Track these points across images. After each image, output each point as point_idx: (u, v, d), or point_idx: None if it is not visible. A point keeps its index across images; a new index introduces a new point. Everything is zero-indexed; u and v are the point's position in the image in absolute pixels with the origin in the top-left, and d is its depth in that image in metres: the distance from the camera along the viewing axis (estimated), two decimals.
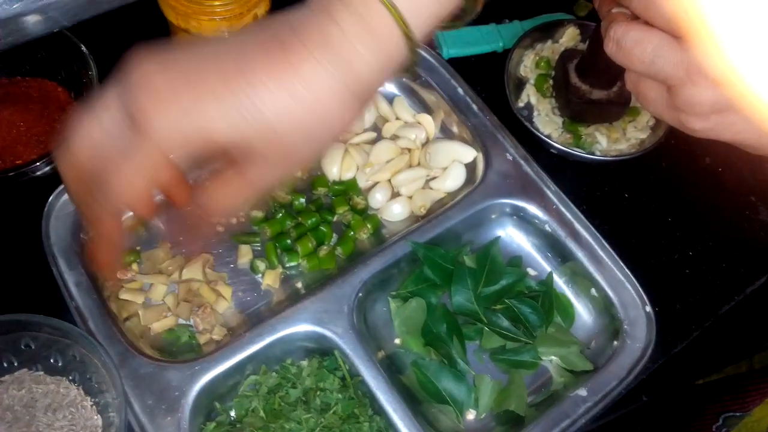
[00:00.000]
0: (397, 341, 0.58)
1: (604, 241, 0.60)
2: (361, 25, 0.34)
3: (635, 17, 0.43)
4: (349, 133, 0.66)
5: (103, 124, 0.36)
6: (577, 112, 0.67)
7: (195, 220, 0.42)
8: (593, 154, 0.68)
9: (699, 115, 0.41)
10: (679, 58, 0.39)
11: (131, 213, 0.57)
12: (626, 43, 0.41)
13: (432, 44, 0.73)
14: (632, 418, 0.93)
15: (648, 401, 0.84)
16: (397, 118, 0.67)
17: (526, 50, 0.73)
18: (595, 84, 0.64)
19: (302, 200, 0.62)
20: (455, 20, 0.42)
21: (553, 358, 0.58)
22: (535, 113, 0.70)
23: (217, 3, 0.55)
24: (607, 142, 0.69)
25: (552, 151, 0.67)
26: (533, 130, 0.67)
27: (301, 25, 0.35)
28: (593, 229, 0.60)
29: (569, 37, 0.73)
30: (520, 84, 0.72)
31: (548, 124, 0.69)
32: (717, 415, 0.97)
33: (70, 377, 0.51)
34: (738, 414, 0.96)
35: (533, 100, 0.71)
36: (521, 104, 0.71)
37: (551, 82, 0.71)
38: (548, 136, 0.67)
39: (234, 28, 0.57)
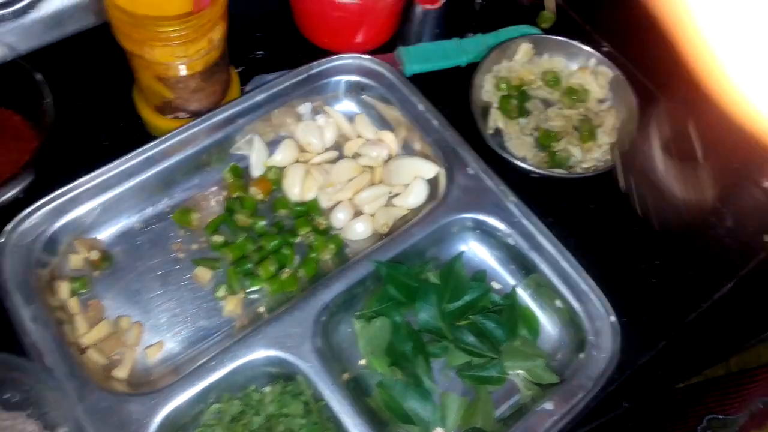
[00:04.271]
0: (362, 362, 0.58)
1: (567, 252, 0.60)
2: None
3: None
4: (310, 153, 0.66)
5: None
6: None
7: None
8: (569, 167, 0.68)
9: None
10: None
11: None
12: None
13: (394, 61, 0.74)
14: (615, 424, 0.93)
15: (629, 407, 0.85)
16: (359, 136, 0.67)
17: (486, 75, 0.72)
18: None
19: (263, 223, 0.61)
20: None
21: (520, 371, 0.57)
22: (506, 137, 0.70)
23: (171, 29, 0.55)
24: (581, 153, 0.69)
25: (533, 176, 0.66)
26: (509, 157, 0.66)
27: None
28: (556, 240, 0.60)
29: (523, 53, 0.73)
30: (487, 109, 0.72)
31: (521, 146, 0.69)
32: (700, 417, 0.96)
33: (28, 412, 0.50)
34: (721, 416, 0.95)
35: (501, 124, 0.70)
36: (491, 131, 0.70)
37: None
38: (523, 159, 0.67)
39: (188, 54, 0.57)
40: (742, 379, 0.93)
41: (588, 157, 0.69)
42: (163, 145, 0.61)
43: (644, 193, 0.64)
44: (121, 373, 0.55)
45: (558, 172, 0.67)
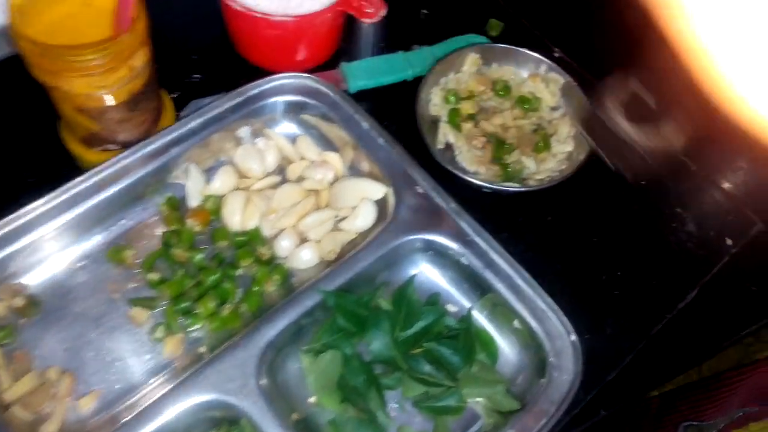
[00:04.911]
0: (312, 400, 0.54)
1: (522, 270, 0.57)
2: None
3: None
4: (250, 178, 0.63)
5: None
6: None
7: None
8: (523, 179, 0.65)
9: None
10: None
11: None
12: None
13: (337, 78, 0.71)
14: None
15: (606, 415, 0.82)
16: (302, 158, 0.64)
17: (432, 87, 0.70)
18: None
19: (201, 256, 0.58)
20: None
21: (480, 399, 0.54)
22: (457, 152, 0.67)
23: (89, 57, 0.51)
24: (534, 164, 0.67)
25: (485, 191, 0.64)
26: (460, 173, 0.63)
27: None
28: (510, 257, 0.57)
29: (471, 63, 0.71)
30: (435, 124, 0.69)
31: (472, 160, 0.66)
32: (676, 424, 0.95)
33: None
34: (696, 423, 0.94)
35: (451, 138, 0.67)
36: (441, 146, 0.68)
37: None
38: (475, 173, 0.64)
39: (108, 83, 0.53)
40: (715, 384, 0.91)
41: (542, 167, 0.67)
42: (92, 180, 0.58)
43: (612, 149, 0.63)
44: (51, 428, 0.51)
45: (511, 185, 0.64)
